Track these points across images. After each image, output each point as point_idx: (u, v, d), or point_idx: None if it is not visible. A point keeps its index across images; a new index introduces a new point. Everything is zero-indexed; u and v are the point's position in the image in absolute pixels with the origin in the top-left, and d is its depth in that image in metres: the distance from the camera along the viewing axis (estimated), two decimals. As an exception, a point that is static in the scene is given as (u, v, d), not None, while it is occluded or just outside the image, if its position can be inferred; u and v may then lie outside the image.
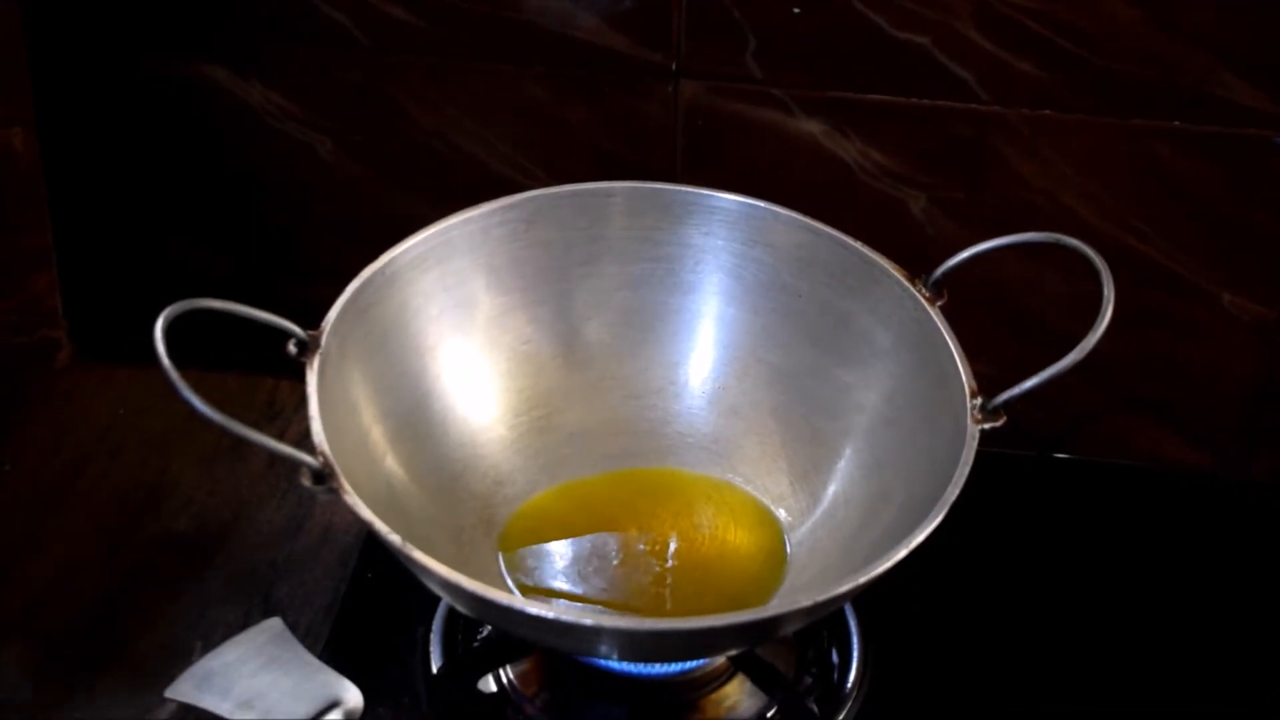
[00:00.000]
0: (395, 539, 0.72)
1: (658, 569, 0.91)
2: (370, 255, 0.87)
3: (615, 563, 0.91)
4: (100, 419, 1.13)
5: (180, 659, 0.92)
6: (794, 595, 0.85)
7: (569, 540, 0.93)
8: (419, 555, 0.71)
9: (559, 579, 0.91)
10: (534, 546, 0.92)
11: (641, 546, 0.92)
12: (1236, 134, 1.01)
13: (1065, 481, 1.11)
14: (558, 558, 0.92)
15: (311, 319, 0.81)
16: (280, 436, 0.74)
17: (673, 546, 0.93)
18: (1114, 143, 1.02)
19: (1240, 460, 1.12)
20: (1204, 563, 1.04)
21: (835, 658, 0.93)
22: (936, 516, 0.74)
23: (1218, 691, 0.94)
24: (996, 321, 1.04)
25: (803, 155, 1.05)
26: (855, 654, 0.93)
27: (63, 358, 1.18)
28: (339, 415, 0.81)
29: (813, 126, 1.04)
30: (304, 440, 0.75)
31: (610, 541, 0.93)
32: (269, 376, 1.15)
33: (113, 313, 1.18)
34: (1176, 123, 1.00)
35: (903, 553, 0.72)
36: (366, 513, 0.72)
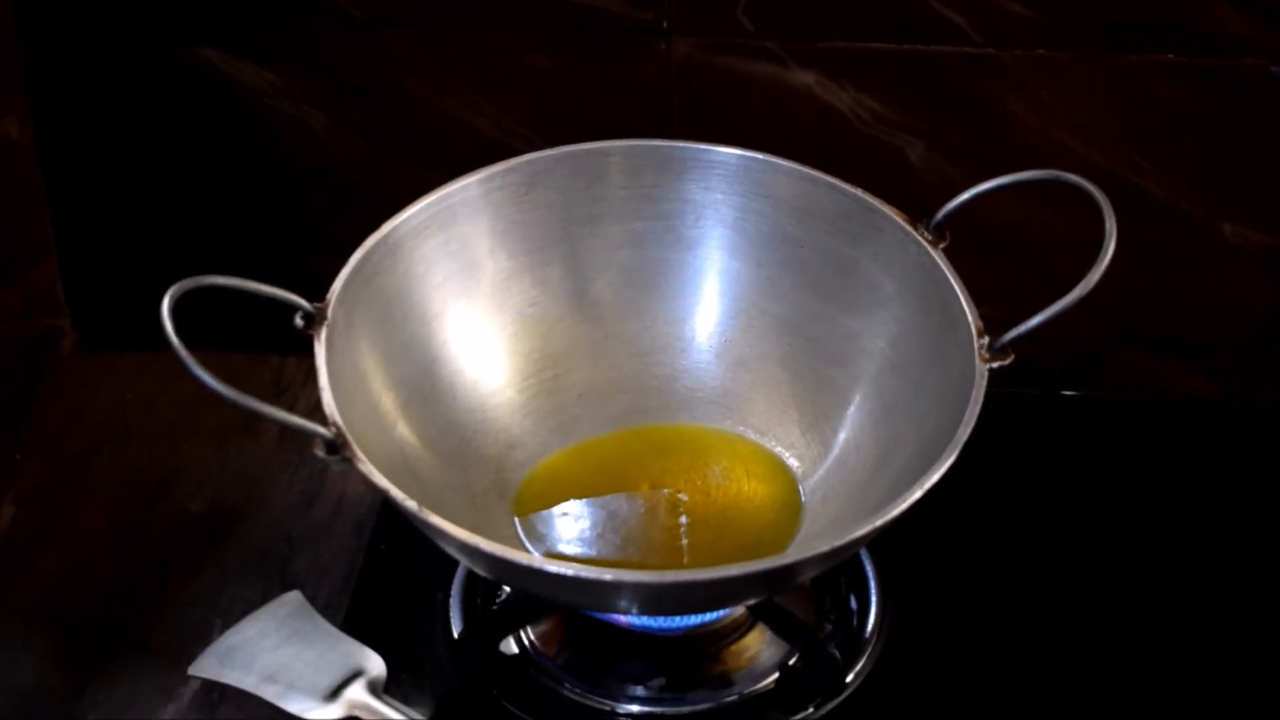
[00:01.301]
0: (412, 505, 0.72)
1: (673, 523, 0.91)
2: (370, 227, 0.87)
3: (630, 520, 0.92)
4: (109, 405, 1.13)
5: (201, 638, 0.93)
6: (811, 542, 0.85)
7: (583, 500, 0.93)
8: (436, 520, 0.71)
9: (575, 538, 0.91)
10: (549, 508, 0.93)
11: (656, 502, 0.93)
12: (1231, 64, 1.00)
13: (1073, 418, 1.11)
14: (573, 518, 0.92)
15: (316, 292, 0.81)
16: (290, 411, 0.73)
17: (687, 500, 0.93)
18: (1109, 79, 1.02)
19: (1248, 390, 1.13)
20: (1214, 493, 1.04)
21: (854, 604, 0.94)
22: (949, 457, 0.74)
23: (1231, 620, 0.95)
24: (998, 263, 1.04)
25: (798, 107, 1.05)
26: (873, 599, 0.94)
27: (67, 346, 1.19)
28: (349, 385, 0.81)
29: (807, 78, 1.04)
30: (314, 413, 0.76)
31: (624, 499, 0.93)
32: (275, 354, 1.16)
33: (115, 299, 1.18)
34: (1170, 55, 1.00)
35: (917, 494, 0.73)
36: (381, 480, 0.73)
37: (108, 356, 1.18)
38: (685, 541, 0.90)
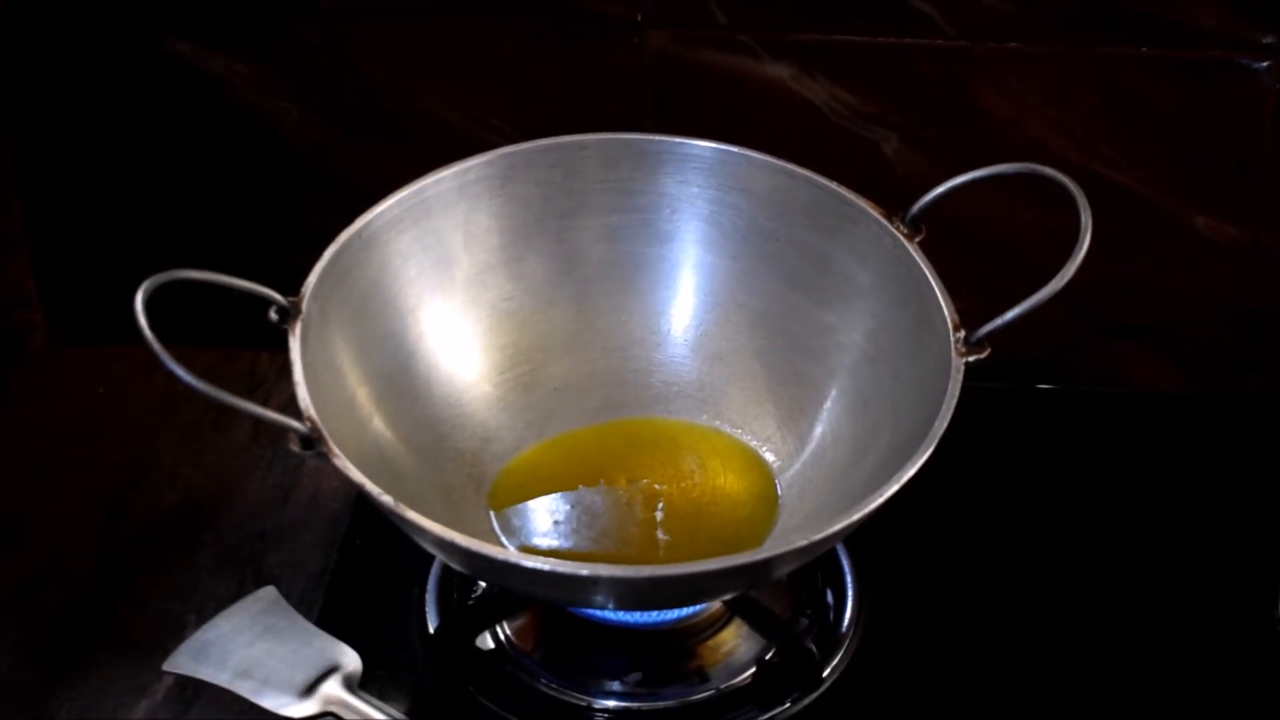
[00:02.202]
0: (388, 499, 0.71)
1: (649, 517, 0.91)
2: (343, 220, 0.87)
3: (606, 514, 0.91)
4: (81, 399, 1.12)
5: (175, 633, 0.92)
6: (788, 536, 0.85)
7: (559, 494, 0.93)
8: (412, 515, 0.71)
9: (551, 533, 0.91)
10: (524, 502, 0.92)
11: (632, 496, 0.92)
12: (1202, 56, 1.01)
13: (1048, 411, 1.11)
14: (548, 512, 0.92)
15: (290, 286, 0.81)
16: (264, 406, 0.73)
17: (663, 494, 0.92)
18: (1081, 72, 1.02)
19: (1219, 382, 1.13)
20: (1187, 484, 1.04)
21: (830, 598, 0.94)
22: (925, 450, 0.74)
23: (1207, 609, 0.95)
24: (972, 256, 1.04)
25: (772, 100, 1.05)
26: (850, 593, 0.93)
27: (39, 340, 1.18)
28: (324, 380, 0.80)
29: (781, 71, 1.04)
30: (289, 408, 0.75)
31: (600, 493, 0.93)
32: (248, 349, 1.15)
33: (87, 292, 1.17)
34: (1143, 49, 1.00)
35: (894, 488, 0.73)
36: (357, 475, 0.72)
37: (79, 351, 1.17)
38: (661, 536, 0.90)
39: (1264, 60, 1.00)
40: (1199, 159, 1.04)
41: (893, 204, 0.88)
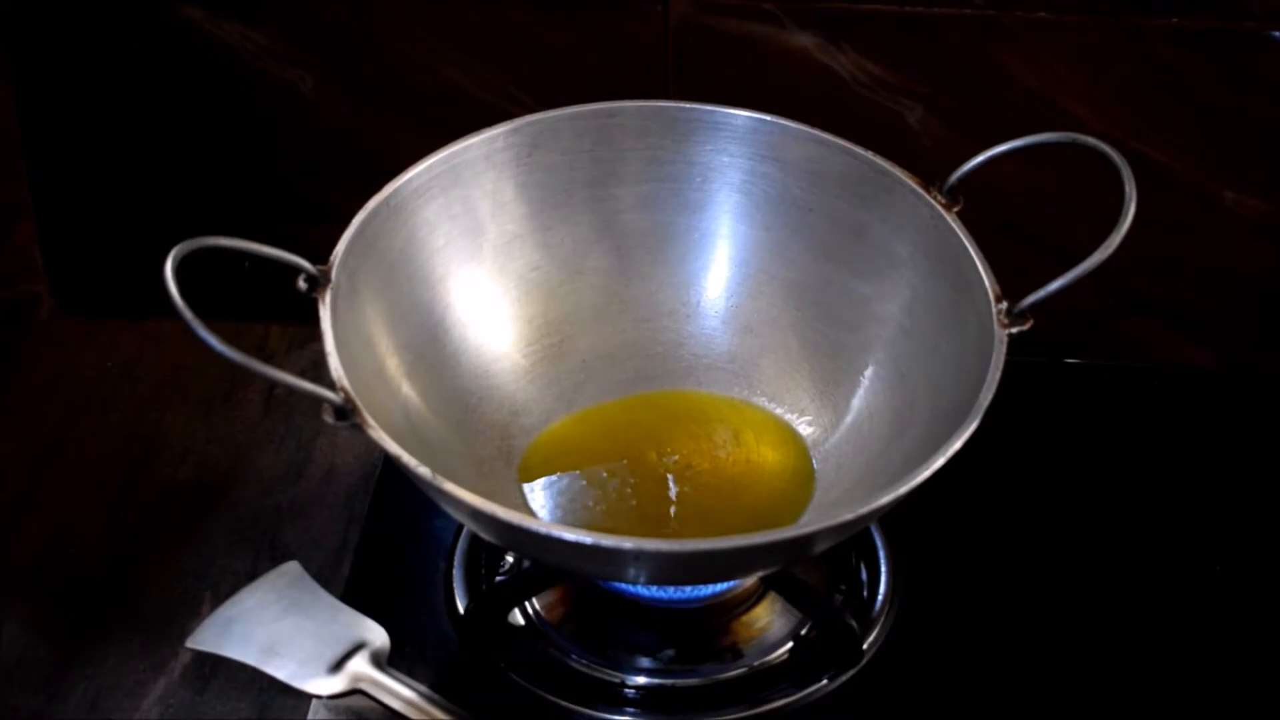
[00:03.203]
0: (425, 471, 0.70)
1: (682, 492, 0.90)
2: (360, 191, 0.85)
3: (638, 488, 0.90)
4: (89, 372, 1.11)
5: (191, 609, 0.91)
6: (827, 510, 0.84)
7: (590, 468, 0.92)
8: (450, 487, 0.69)
9: (582, 506, 0.90)
10: (555, 475, 0.91)
11: (664, 470, 0.91)
12: (1234, 28, 1.00)
13: (1078, 386, 1.11)
14: (579, 485, 0.91)
15: (305, 257, 0.79)
16: (277, 380, 0.72)
17: (696, 468, 0.92)
18: (1111, 43, 1.01)
19: (1247, 357, 1.13)
20: (1219, 460, 1.04)
21: (864, 573, 0.93)
22: (971, 424, 0.73)
23: (1240, 583, 0.95)
24: (997, 228, 1.03)
25: (796, 70, 1.03)
26: (884, 567, 0.93)
27: (44, 312, 1.16)
28: (354, 350, 0.79)
29: (805, 40, 1.02)
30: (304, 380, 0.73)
31: (631, 467, 0.92)
32: (258, 322, 1.14)
33: (94, 263, 1.16)
34: (1174, 19, 0.99)
35: (940, 461, 0.71)
36: (393, 446, 0.71)
37: (87, 322, 1.15)
38: (695, 509, 0.89)
39: (1297, 33, 0.99)
40: (1229, 133, 1.03)
41: (917, 174, 0.87)
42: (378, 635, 0.86)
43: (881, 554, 0.93)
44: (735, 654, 0.88)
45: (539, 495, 0.90)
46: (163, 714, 0.86)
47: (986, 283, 0.80)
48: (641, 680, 0.87)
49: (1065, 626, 0.91)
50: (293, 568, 0.91)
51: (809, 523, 0.82)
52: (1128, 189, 0.78)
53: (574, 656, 0.88)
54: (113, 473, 1.02)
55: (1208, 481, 1.02)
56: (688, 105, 0.93)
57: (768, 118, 0.91)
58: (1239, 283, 1.10)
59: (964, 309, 0.82)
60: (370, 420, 0.72)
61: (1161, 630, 0.91)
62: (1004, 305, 0.79)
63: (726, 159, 0.94)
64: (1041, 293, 0.78)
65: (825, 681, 0.87)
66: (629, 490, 0.90)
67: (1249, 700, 0.88)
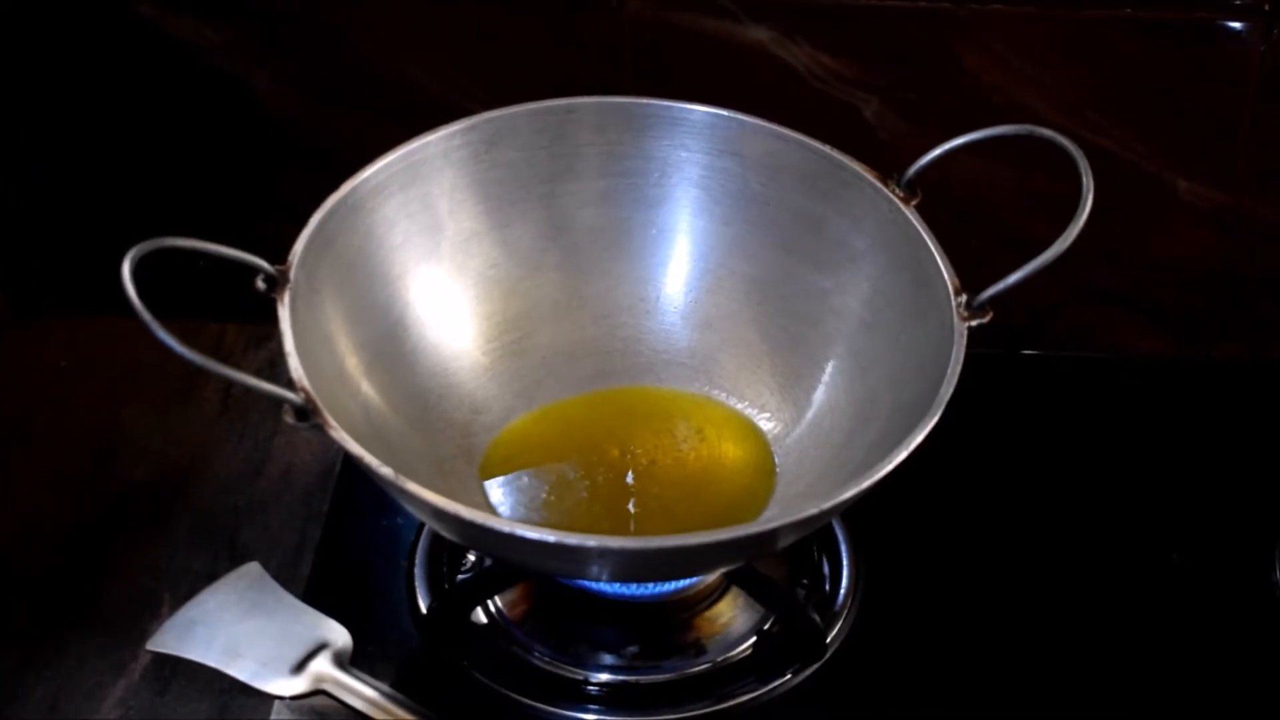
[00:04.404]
0: (388, 471, 0.70)
1: (643, 488, 0.90)
2: (318, 188, 0.85)
3: (599, 484, 0.90)
4: (43, 373, 1.10)
5: (150, 610, 0.90)
6: (789, 505, 0.85)
7: (550, 465, 0.92)
8: (412, 487, 0.69)
9: (544, 503, 0.89)
10: (516, 473, 0.91)
11: (625, 466, 0.91)
12: (1186, 18, 1.00)
13: (1034, 377, 1.11)
14: (541, 483, 0.91)
15: (263, 259, 0.78)
16: (234, 380, 0.71)
17: (657, 464, 0.91)
18: (1066, 34, 1.02)
19: (1202, 347, 1.13)
20: (1176, 450, 1.04)
21: (826, 568, 0.93)
22: (932, 417, 0.73)
23: (1202, 574, 0.95)
24: (956, 220, 1.03)
25: (752, 64, 1.04)
26: (845, 561, 0.93)
27: (-3, 313, 1.15)
28: (313, 349, 0.78)
29: (761, 34, 1.03)
30: (260, 380, 0.73)
31: (593, 463, 0.91)
32: (213, 321, 1.13)
33: (47, 263, 1.15)
34: (1128, 10, 1.00)
35: (902, 455, 0.72)
36: (355, 447, 0.70)
37: (40, 323, 1.14)
38: (657, 507, 0.89)
39: (1249, 22, 0.99)
40: (1184, 123, 1.04)
41: (876, 168, 0.88)
42: (339, 635, 0.86)
43: (843, 547, 0.93)
44: (699, 650, 0.88)
45: (500, 493, 0.90)
46: (123, 716, 0.85)
47: (946, 276, 0.81)
48: (605, 677, 0.87)
49: (1028, 617, 0.91)
50: (253, 568, 0.91)
51: (772, 518, 0.82)
52: (1084, 180, 0.78)
53: (537, 654, 0.88)
54: (69, 473, 1.01)
55: (1165, 470, 1.02)
56: (645, 101, 0.92)
57: (725, 112, 0.91)
58: (1194, 272, 1.10)
59: (924, 302, 0.82)
60: (331, 420, 0.72)
61: (1120, 619, 0.92)
62: (963, 298, 0.79)
63: (685, 154, 0.93)
64: (1001, 285, 0.78)
65: (789, 676, 0.87)
66: (590, 487, 0.90)
67: (1207, 688, 0.88)
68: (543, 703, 0.85)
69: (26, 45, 1.06)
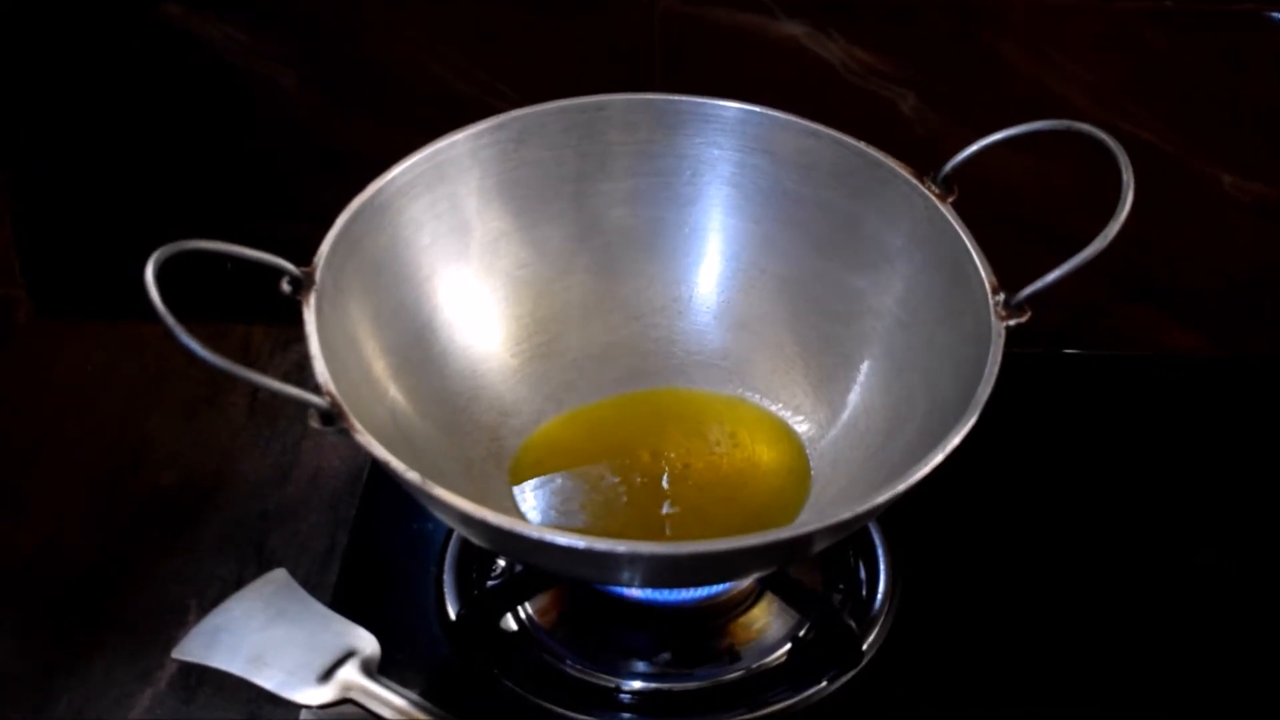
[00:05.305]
0: (414, 476, 0.69)
1: (675, 492, 0.90)
2: (343, 189, 0.84)
3: (631, 489, 0.90)
4: (69, 377, 1.10)
5: (177, 618, 0.91)
6: (824, 509, 0.84)
7: (581, 468, 0.92)
8: (440, 492, 0.69)
9: (575, 508, 0.89)
10: (546, 477, 0.91)
11: (657, 470, 0.91)
12: (1229, 10, 1.00)
13: (1075, 377, 1.11)
14: (571, 487, 0.91)
15: (288, 258, 0.78)
16: (262, 382, 0.71)
17: (690, 468, 0.91)
18: (1104, 25, 1.01)
19: (1245, 344, 1.13)
20: (1219, 450, 1.04)
21: (863, 572, 0.92)
22: (970, 418, 0.72)
23: (1243, 572, 0.95)
24: (993, 218, 1.02)
25: (786, 59, 1.03)
26: (883, 566, 0.92)
27: (22, 316, 1.16)
28: (339, 353, 0.78)
29: (795, 28, 1.02)
30: (289, 384, 0.73)
31: (624, 467, 0.91)
32: (239, 324, 1.14)
33: (72, 266, 1.15)
34: (1168, 1, 0.99)
35: (939, 457, 0.71)
36: (382, 452, 0.70)
37: (65, 326, 1.15)
38: (689, 510, 0.89)
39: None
40: (1226, 115, 1.03)
41: (911, 163, 0.87)
42: (368, 643, 0.86)
43: (880, 552, 0.93)
44: (733, 656, 0.88)
45: (530, 498, 0.90)
46: (149, 725, 0.85)
47: (983, 274, 0.80)
48: (637, 684, 0.87)
49: (1069, 622, 0.91)
50: (280, 575, 0.90)
51: (806, 522, 0.81)
52: (1125, 176, 0.77)
53: (568, 661, 0.88)
54: (95, 479, 1.02)
55: (1207, 471, 1.01)
56: (676, 97, 0.92)
57: (757, 109, 0.91)
58: (1239, 268, 1.09)
59: (960, 301, 0.82)
60: (357, 425, 0.71)
61: (1165, 623, 0.91)
62: (1001, 296, 0.78)
63: (716, 152, 0.93)
64: (1040, 283, 0.78)
65: (824, 683, 0.86)
66: (622, 491, 0.90)
67: (1249, 693, 0.88)
68: (574, 711, 0.85)
69: (55, 48, 1.07)
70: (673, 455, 0.92)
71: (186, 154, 1.10)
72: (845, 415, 0.91)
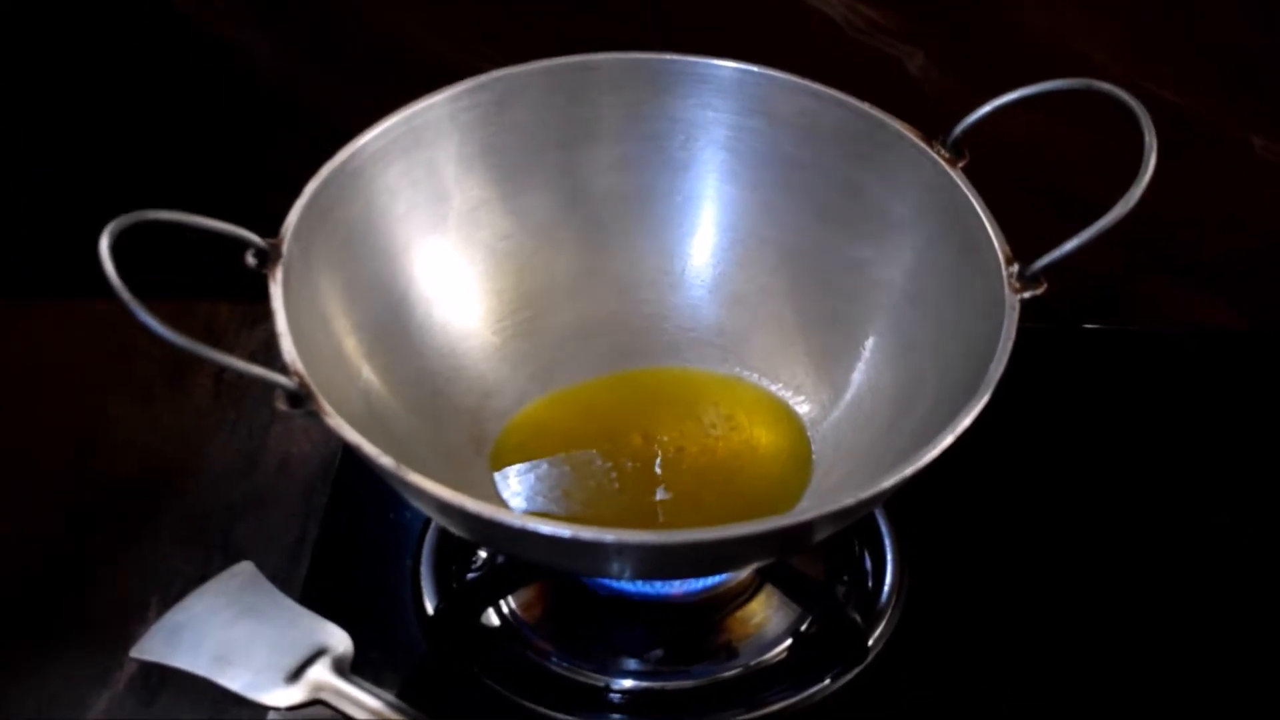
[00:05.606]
0: (388, 461, 0.69)
1: (668, 478, 0.90)
2: (319, 157, 0.84)
3: (621, 474, 0.90)
4: (24, 358, 1.10)
5: (137, 615, 0.91)
6: (826, 495, 0.84)
7: (568, 453, 0.91)
8: (415, 478, 0.68)
9: (560, 495, 0.89)
10: (530, 462, 0.91)
11: (649, 454, 0.91)
12: (1260, -40, 0.99)
13: (1094, 352, 1.11)
14: (557, 473, 0.90)
15: (260, 234, 0.77)
16: (228, 361, 0.71)
17: (683, 452, 0.91)
18: (1126, -22, 1.00)
19: (1277, 317, 1.12)
20: (1250, 431, 1.03)
21: (868, 563, 0.92)
22: (981, 398, 0.72)
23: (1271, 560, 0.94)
24: (1007, 183, 1.02)
25: (786, 15, 1.03)
26: (890, 556, 0.92)
27: (-24, 295, 1.15)
28: (308, 330, 0.78)
29: (795, -18, 1.02)
30: (254, 362, 0.72)
31: (613, 451, 0.91)
32: (205, 300, 1.13)
33: (27, 241, 1.15)
34: (1196, -49, 0.99)
35: (949, 439, 0.70)
36: (353, 435, 0.70)
37: (21, 305, 1.14)
38: (684, 498, 0.89)
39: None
40: (1256, 75, 1.03)
41: (920, 126, 0.86)
42: (339, 640, 0.85)
43: (887, 541, 0.93)
44: (730, 653, 0.88)
45: (513, 484, 0.90)
46: (108, 729, 0.85)
47: (996, 244, 0.79)
48: (628, 683, 0.86)
49: (1086, 616, 0.91)
50: (246, 568, 0.90)
51: (807, 509, 0.80)
52: (1147, 138, 0.77)
53: (554, 659, 0.88)
54: (50, 467, 1.01)
55: (1236, 454, 1.01)
56: (668, 57, 0.91)
57: (755, 68, 0.90)
58: (1268, 236, 1.09)
59: (972, 272, 0.81)
60: (327, 407, 0.71)
61: (1186, 617, 0.91)
62: (1015, 268, 0.78)
63: (711, 114, 0.93)
64: (1056, 253, 0.77)
65: (828, 681, 0.86)
66: (611, 477, 0.90)
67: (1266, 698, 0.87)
68: (560, 711, 0.85)
69: (9, 12, 1.06)
70: (665, 439, 0.92)
71: (149, 120, 1.10)
72: (849, 395, 0.91)
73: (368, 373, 0.85)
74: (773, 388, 0.95)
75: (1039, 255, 0.77)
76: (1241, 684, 0.88)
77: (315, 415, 0.71)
